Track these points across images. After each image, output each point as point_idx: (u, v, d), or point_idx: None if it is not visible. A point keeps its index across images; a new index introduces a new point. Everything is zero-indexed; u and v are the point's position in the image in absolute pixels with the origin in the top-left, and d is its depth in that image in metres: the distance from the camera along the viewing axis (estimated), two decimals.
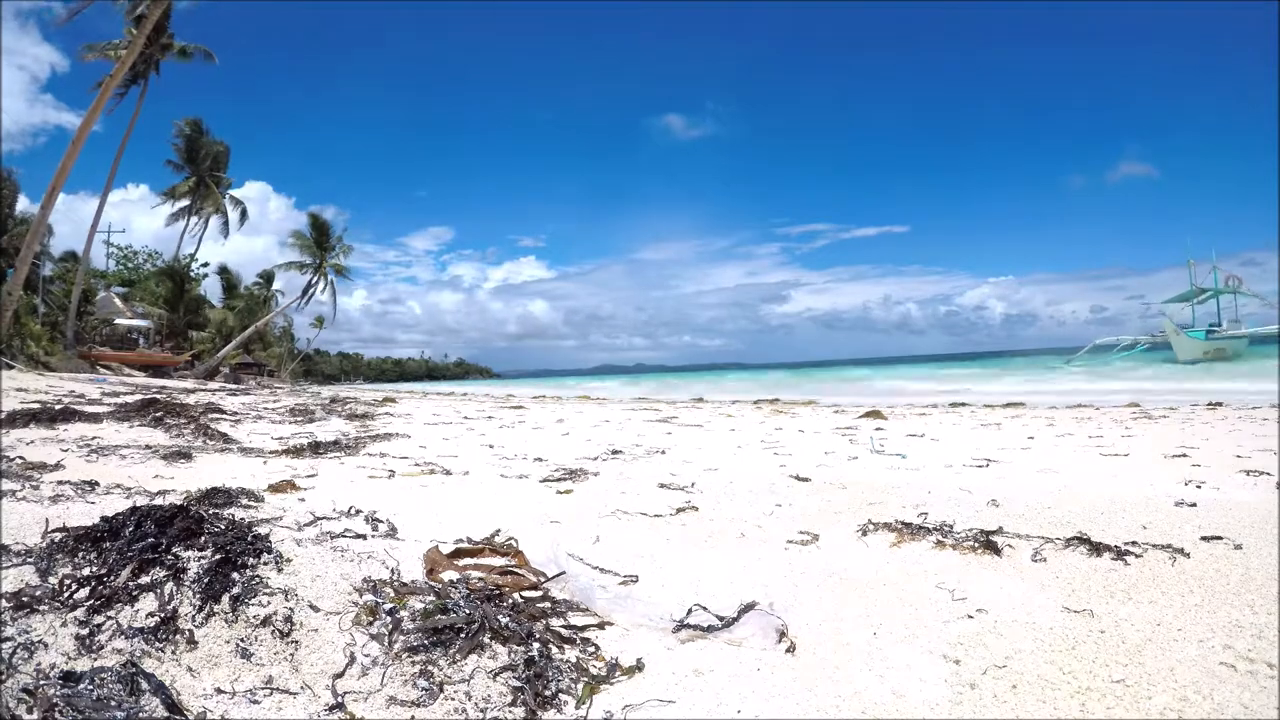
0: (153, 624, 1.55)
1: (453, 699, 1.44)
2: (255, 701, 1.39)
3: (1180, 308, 37.83)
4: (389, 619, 1.69)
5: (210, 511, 2.26)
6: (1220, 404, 11.60)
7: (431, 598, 1.82)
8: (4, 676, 1.33)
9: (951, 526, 2.81)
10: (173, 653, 1.50)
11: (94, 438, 5.48)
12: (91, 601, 1.60)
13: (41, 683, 1.32)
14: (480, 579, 2.03)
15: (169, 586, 1.67)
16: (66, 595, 1.63)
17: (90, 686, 1.31)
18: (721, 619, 1.84)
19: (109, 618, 1.56)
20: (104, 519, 1.99)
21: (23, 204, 29.84)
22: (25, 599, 1.60)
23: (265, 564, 1.87)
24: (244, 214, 42.44)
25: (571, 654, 1.66)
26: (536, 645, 1.62)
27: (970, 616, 1.95)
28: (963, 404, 14.07)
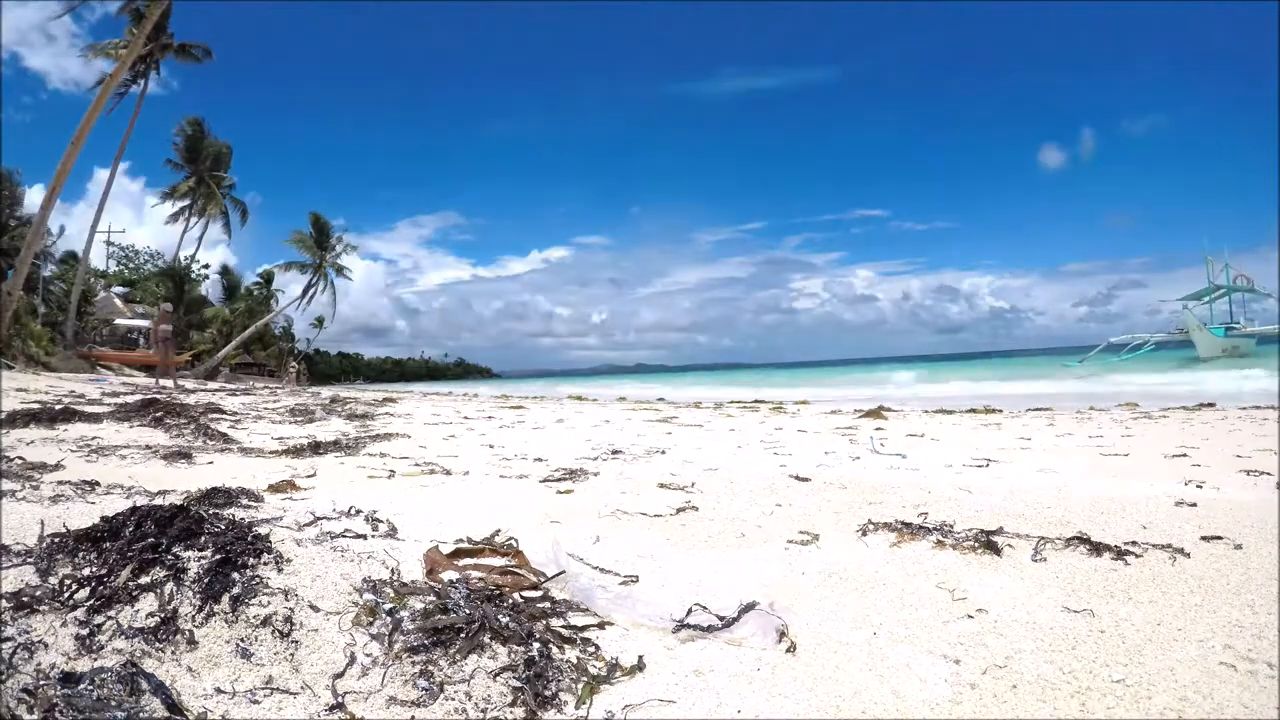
0: (153, 624, 1.55)
1: (453, 699, 1.44)
2: (255, 701, 1.39)
3: (1195, 305, 37.42)
4: (389, 619, 1.69)
5: (210, 511, 2.26)
6: (1213, 404, 11.58)
7: (431, 598, 1.82)
8: (4, 676, 1.33)
9: (951, 526, 2.81)
10: (173, 653, 1.50)
11: (94, 438, 5.48)
12: (91, 601, 1.60)
13: (41, 683, 1.32)
14: (480, 579, 2.03)
15: (169, 586, 1.67)
16: (66, 595, 1.63)
17: (90, 687, 1.31)
18: (721, 619, 1.84)
19: (109, 618, 1.56)
20: (104, 519, 1.99)
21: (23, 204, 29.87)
22: (25, 599, 1.60)
23: (265, 564, 1.87)
24: (244, 213, 42.58)
25: (572, 654, 1.66)
26: (536, 645, 1.62)
27: (970, 616, 1.95)
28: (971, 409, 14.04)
